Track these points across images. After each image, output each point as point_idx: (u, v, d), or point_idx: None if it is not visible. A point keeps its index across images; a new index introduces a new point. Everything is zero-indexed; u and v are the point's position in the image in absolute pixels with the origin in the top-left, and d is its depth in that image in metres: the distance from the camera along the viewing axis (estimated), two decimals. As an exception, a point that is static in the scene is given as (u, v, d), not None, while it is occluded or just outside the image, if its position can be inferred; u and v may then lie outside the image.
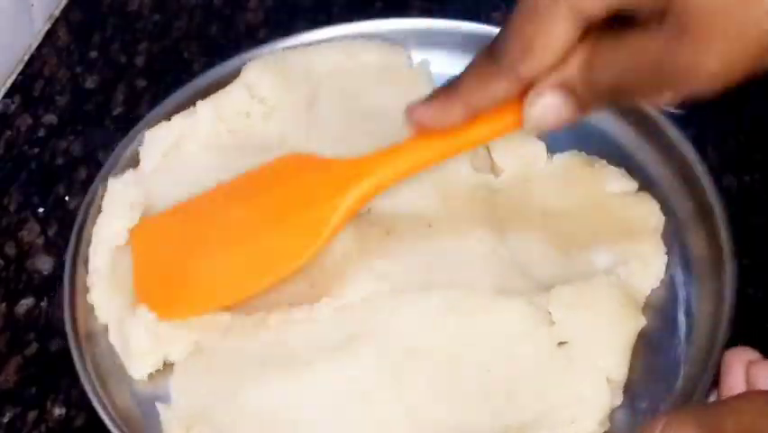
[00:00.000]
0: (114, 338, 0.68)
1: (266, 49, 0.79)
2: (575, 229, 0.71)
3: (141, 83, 0.84)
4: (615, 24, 0.54)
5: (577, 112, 0.57)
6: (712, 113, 0.80)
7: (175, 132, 0.75)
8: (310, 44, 0.79)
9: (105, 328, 0.69)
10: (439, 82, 0.77)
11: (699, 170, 0.72)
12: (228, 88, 0.76)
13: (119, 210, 0.71)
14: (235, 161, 0.74)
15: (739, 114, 0.80)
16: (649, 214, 0.72)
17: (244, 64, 0.77)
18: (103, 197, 0.72)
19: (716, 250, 0.69)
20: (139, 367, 0.67)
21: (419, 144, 0.63)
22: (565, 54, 0.55)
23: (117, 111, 0.83)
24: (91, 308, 0.69)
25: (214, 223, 0.69)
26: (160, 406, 0.65)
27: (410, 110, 0.61)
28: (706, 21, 0.51)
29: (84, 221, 0.71)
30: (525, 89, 0.57)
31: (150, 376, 0.67)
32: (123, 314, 0.68)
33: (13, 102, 0.84)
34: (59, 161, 0.80)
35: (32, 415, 0.69)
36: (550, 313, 0.66)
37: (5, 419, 0.69)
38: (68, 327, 0.67)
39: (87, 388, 0.65)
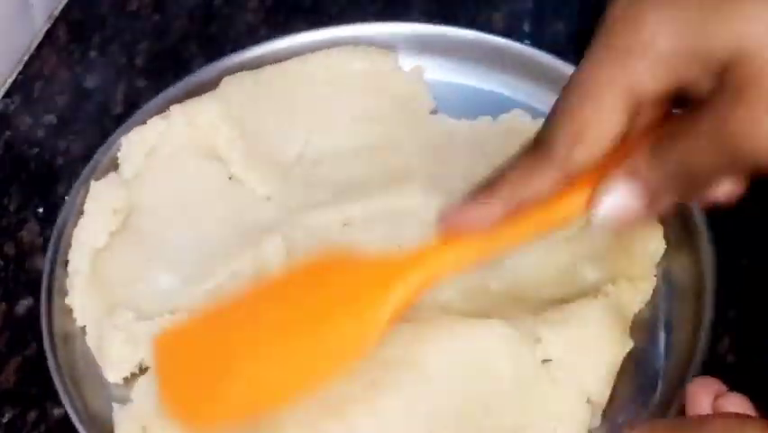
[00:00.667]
0: (90, 341, 0.68)
1: (241, 56, 0.79)
2: (572, 243, 0.70)
3: (141, 83, 0.84)
4: (671, 109, 0.53)
5: (647, 206, 0.54)
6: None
7: (151, 135, 0.74)
8: (295, 51, 0.79)
9: (83, 331, 0.69)
10: (433, 89, 0.78)
11: None
12: (203, 98, 0.76)
13: (101, 213, 0.71)
14: (213, 165, 0.74)
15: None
16: (650, 237, 0.71)
17: (222, 69, 0.78)
18: (84, 199, 0.72)
19: (697, 263, 0.68)
20: (115, 371, 0.67)
21: (464, 242, 0.58)
22: (615, 141, 0.53)
23: (117, 111, 0.83)
24: (69, 311, 0.69)
25: (246, 328, 0.65)
26: (115, 406, 0.65)
27: (443, 216, 0.58)
28: (759, 89, 0.49)
29: (65, 223, 0.71)
30: (572, 181, 0.54)
31: (126, 380, 0.67)
32: (100, 317, 0.68)
33: (12, 102, 0.84)
34: (59, 161, 0.80)
35: (31, 415, 0.69)
36: (535, 332, 0.66)
37: (5, 420, 0.69)
38: (44, 329, 0.67)
39: (60, 390, 0.65)
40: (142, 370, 0.67)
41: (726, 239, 0.72)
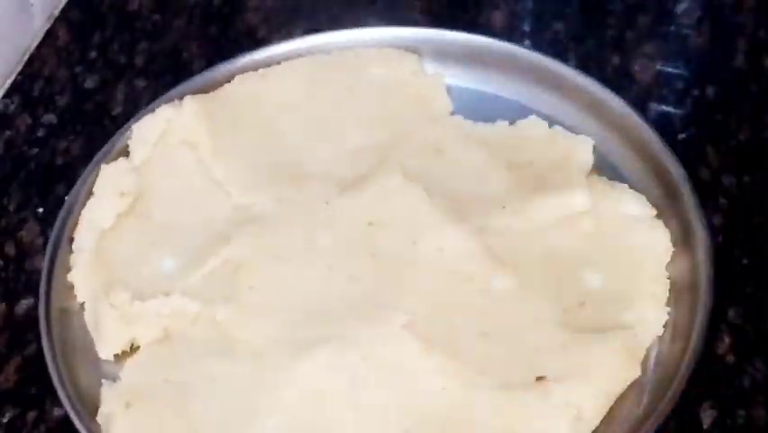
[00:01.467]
0: (88, 317, 0.69)
1: (263, 53, 0.80)
2: (575, 250, 0.70)
3: (141, 83, 0.84)
4: None
5: None
6: (712, 113, 0.80)
7: (160, 123, 0.75)
8: (322, 49, 0.80)
9: (82, 308, 0.70)
10: (452, 94, 0.78)
11: (686, 192, 0.71)
12: (218, 91, 0.77)
13: (109, 195, 0.73)
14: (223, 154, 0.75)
15: (739, 113, 0.80)
16: (657, 243, 0.70)
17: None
18: (95, 182, 0.73)
19: (696, 263, 0.68)
20: (107, 347, 0.68)
21: None
22: None
23: (117, 111, 0.83)
24: (70, 286, 0.70)
25: None
26: (104, 382, 0.66)
27: None
28: None
29: (73, 203, 0.73)
30: None
31: (117, 357, 0.68)
32: (99, 295, 0.69)
33: (12, 102, 0.84)
34: (59, 160, 0.80)
35: (31, 415, 0.69)
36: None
37: (5, 420, 0.69)
38: (41, 300, 0.68)
39: (49, 361, 0.66)
40: (133, 349, 0.68)
41: (726, 239, 0.72)
